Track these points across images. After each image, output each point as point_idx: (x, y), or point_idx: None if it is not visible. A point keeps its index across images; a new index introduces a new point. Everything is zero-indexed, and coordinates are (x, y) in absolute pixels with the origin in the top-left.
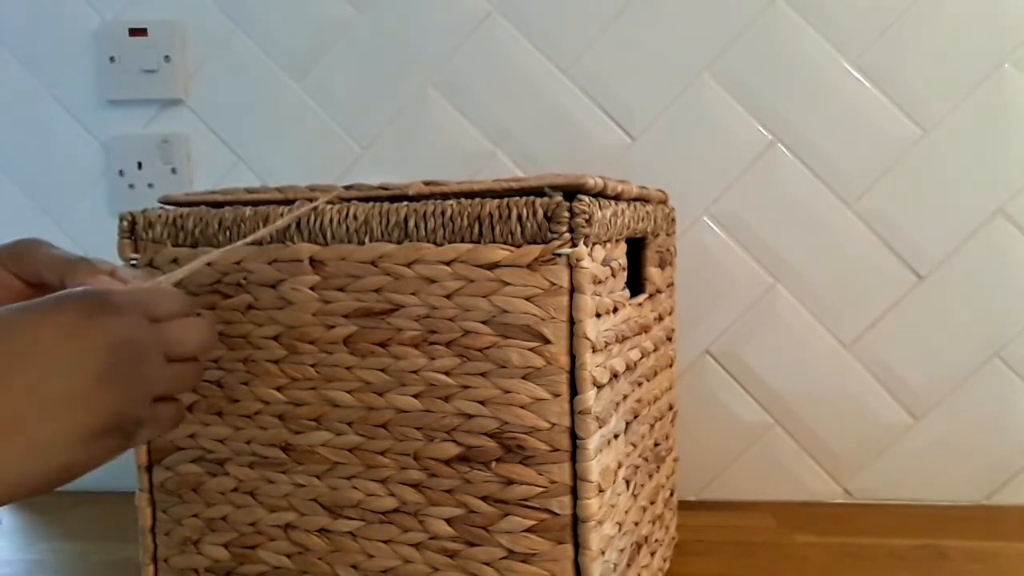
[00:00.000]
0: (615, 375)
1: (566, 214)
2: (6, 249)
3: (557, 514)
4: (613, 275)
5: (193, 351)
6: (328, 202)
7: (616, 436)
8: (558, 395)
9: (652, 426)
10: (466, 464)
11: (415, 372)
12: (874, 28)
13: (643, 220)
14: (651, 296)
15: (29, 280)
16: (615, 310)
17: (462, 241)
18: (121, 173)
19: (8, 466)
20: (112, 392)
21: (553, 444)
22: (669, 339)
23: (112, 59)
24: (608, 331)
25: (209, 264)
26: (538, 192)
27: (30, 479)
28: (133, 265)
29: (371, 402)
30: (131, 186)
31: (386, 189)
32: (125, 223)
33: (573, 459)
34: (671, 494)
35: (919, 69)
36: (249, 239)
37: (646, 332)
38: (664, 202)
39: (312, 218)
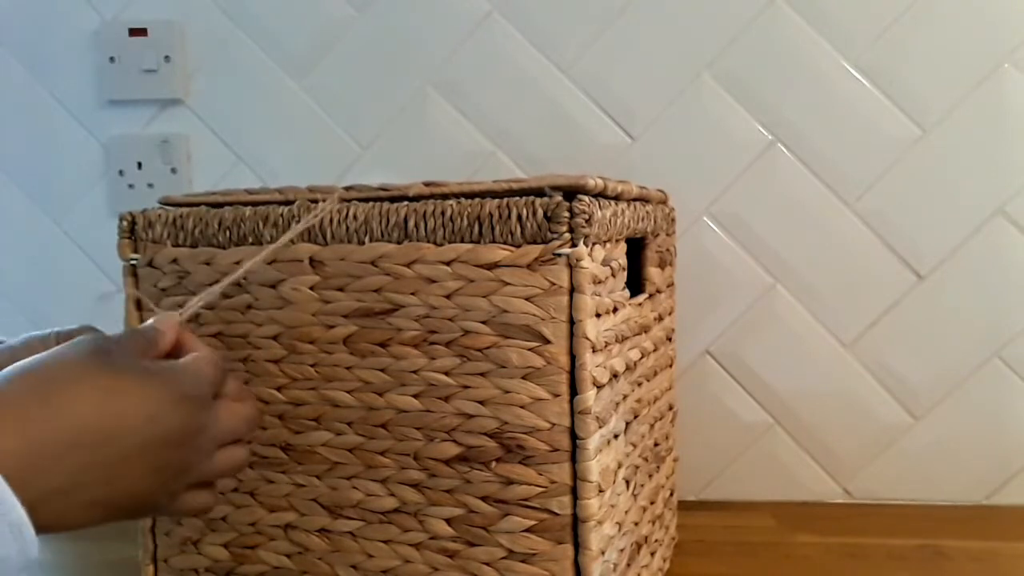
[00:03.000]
0: (615, 375)
1: (566, 214)
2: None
3: (557, 514)
4: (613, 275)
5: (241, 436)
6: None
7: (616, 436)
8: (558, 395)
9: (652, 426)
10: (466, 464)
11: (415, 372)
12: (874, 28)
13: (643, 220)
14: (651, 296)
15: None
16: (615, 310)
17: (462, 241)
18: (121, 173)
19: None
20: (154, 484)
21: (553, 444)
22: (669, 339)
23: (112, 59)
24: (608, 331)
25: (210, 270)
26: (538, 193)
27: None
28: (133, 265)
29: (371, 402)
30: (131, 186)
31: (386, 190)
32: (125, 223)
33: (573, 459)
34: (671, 494)
35: (919, 69)
36: (268, 251)
37: (646, 332)
38: (664, 202)
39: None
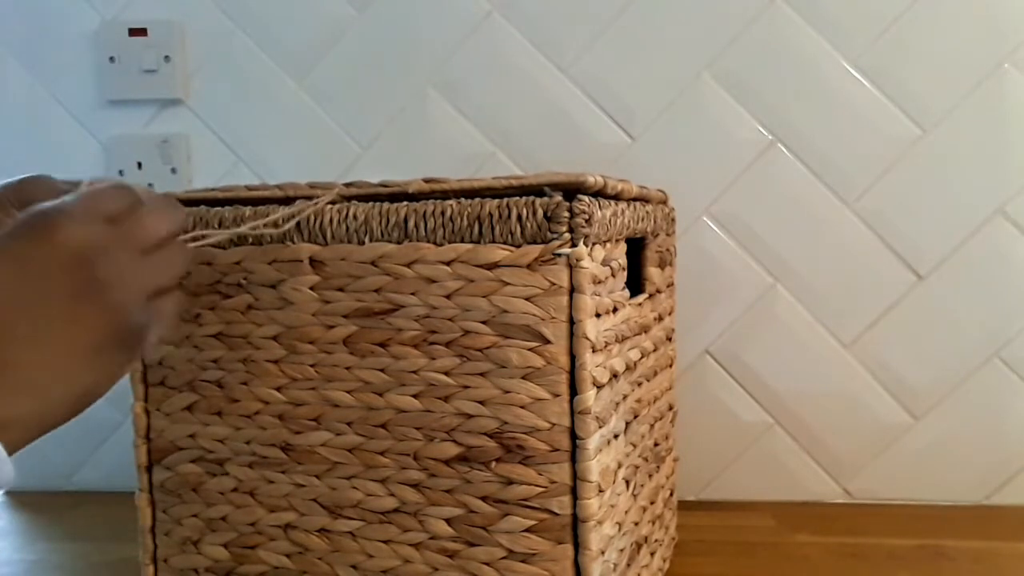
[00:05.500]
0: (615, 375)
1: (566, 214)
2: (10, 186)
3: (557, 514)
4: (613, 275)
5: (164, 234)
6: (330, 201)
7: (616, 436)
8: (558, 395)
9: (652, 426)
10: (466, 464)
11: (415, 372)
12: (874, 28)
13: (643, 220)
14: (651, 296)
15: None
16: (615, 310)
17: (462, 241)
18: (121, 173)
19: (22, 403)
20: (95, 305)
21: (553, 444)
22: (669, 339)
23: (112, 59)
24: (608, 331)
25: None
26: (538, 191)
27: (58, 406)
28: None
29: (371, 402)
30: None
31: (386, 187)
32: None
33: (573, 459)
34: (671, 494)
35: (919, 69)
36: (269, 219)
37: (646, 332)
38: (664, 202)
39: (312, 218)
